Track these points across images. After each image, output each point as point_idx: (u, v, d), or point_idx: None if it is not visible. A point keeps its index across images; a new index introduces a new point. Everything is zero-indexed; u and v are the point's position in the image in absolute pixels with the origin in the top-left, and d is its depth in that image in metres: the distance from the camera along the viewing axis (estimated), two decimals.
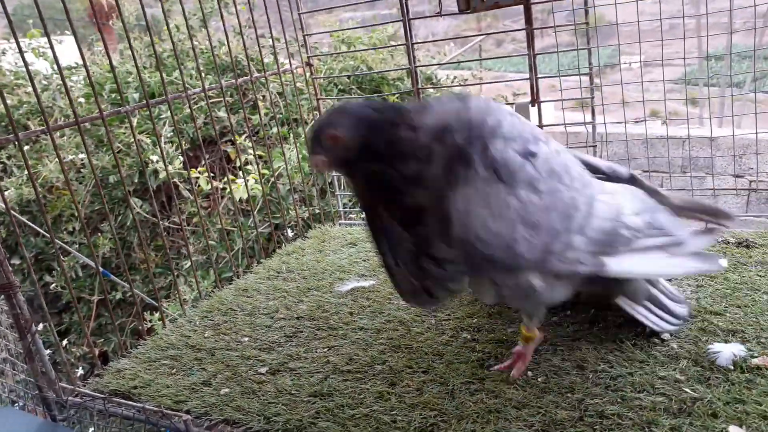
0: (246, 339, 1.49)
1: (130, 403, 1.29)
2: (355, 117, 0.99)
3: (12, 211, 2.47)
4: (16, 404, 1.45)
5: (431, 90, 3.44)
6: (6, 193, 3.13)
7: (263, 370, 1.35)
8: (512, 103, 1.68)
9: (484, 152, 0.94)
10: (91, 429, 1.35)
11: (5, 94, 3.54)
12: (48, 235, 2.97)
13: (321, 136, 1.00)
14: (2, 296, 1.27)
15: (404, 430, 1.12)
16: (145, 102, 1.49)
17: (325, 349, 1.40)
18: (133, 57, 1.51)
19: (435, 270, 1.04)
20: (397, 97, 3.58)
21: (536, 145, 1.01)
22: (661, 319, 1.26)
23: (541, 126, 1.71)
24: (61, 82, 3.75)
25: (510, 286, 1.05)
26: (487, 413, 1.13)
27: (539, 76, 1.68)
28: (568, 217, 1.00)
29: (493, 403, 1.16)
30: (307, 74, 1.88)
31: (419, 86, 1.74)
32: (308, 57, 1.87)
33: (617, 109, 1.99)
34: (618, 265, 1.07)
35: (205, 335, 1.53)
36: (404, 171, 0.97)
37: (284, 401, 1.22)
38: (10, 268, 1.25)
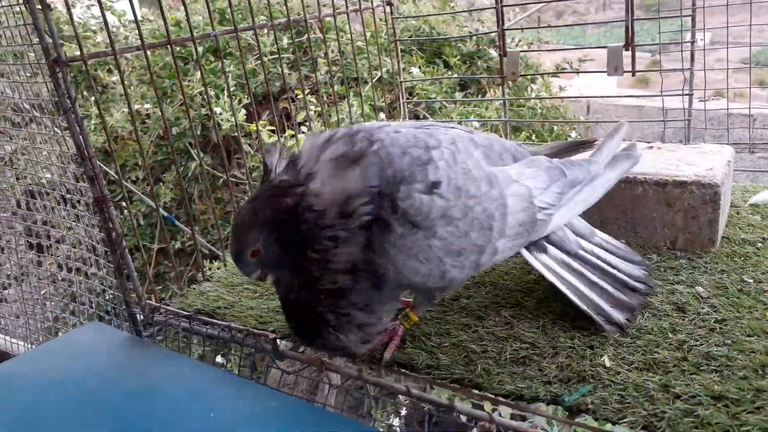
0: None
1: (215, 321, 1.30)
2: (258, 224, 0.98)
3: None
4: (104, 319, 1.48)
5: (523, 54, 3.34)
6: (72, 141, 3.21)
7: None
8: (605, 46, 1.60)
9: (394, 210, 0.98)
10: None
11: (72, 45, 3.64)
12: (115, 181, 3.04)
13: (243, 259, 1.00)
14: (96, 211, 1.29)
15: (495, 360, 1.10)
16: (210, 32, 1.43)
17: None
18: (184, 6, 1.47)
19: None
20: (458, 59, 3.52)
21: (432, 163, 1.02)
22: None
23: (633, 72, 1.62)
24: (127, 35, 3.84)
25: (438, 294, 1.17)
26: (583, 349, 1.10)
27: (635, 17, 1.59)
28: (488, 228, 1.07)
29: (588, 341, 1.12)
30: (387, 11, 1.84)
31: (505, 49, 1.67)
32: None
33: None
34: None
35: None
36: (326, 257, 0.97)
37: None
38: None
